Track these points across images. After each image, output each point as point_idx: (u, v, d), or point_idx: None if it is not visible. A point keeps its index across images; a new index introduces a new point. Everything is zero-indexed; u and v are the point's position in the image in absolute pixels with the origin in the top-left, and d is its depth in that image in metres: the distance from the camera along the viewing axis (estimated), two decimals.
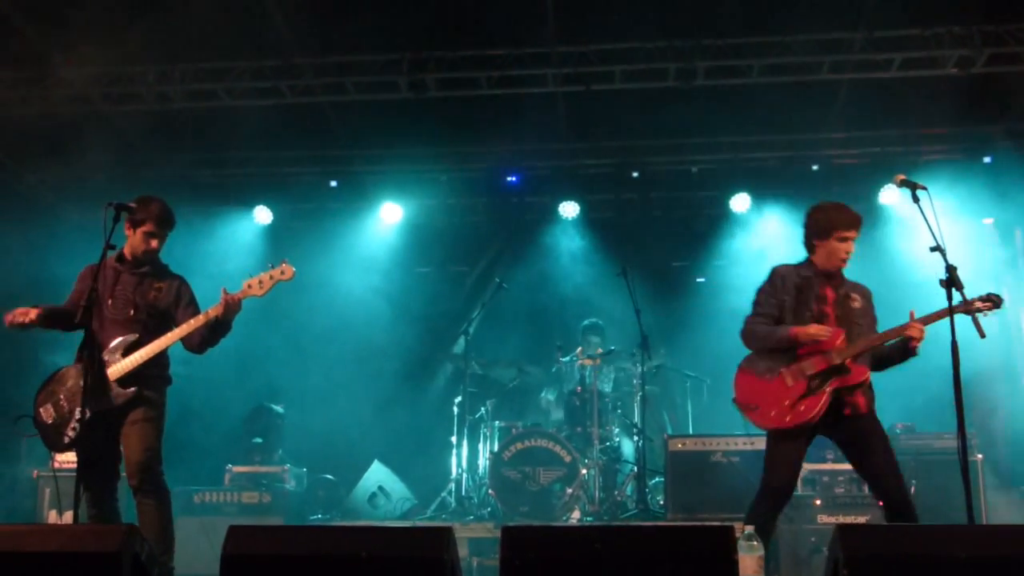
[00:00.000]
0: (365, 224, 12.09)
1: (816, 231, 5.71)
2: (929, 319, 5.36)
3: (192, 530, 8.08)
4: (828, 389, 5.41)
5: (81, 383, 5.52)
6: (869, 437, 5.43)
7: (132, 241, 5.89)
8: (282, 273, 5.80)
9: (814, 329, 5.43)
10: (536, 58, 9.94)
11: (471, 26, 9.69)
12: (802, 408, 5.40)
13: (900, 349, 5.48)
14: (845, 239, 5.60)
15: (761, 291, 5.82)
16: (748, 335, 5.76)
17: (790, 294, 5.65)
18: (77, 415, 5.55)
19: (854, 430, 5.47)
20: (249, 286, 5.76)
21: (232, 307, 5.66)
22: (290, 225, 12.21)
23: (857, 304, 5.66)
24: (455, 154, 11.81)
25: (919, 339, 5.33)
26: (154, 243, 5.91)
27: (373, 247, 12.09)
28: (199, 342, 5.84)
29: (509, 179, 11.88)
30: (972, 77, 9.68)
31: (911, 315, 5.35)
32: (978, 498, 8.29)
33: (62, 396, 5.74)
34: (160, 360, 5.84)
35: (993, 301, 5.37)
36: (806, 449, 5.58)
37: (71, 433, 5.60)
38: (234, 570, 3.94)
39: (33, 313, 5.75)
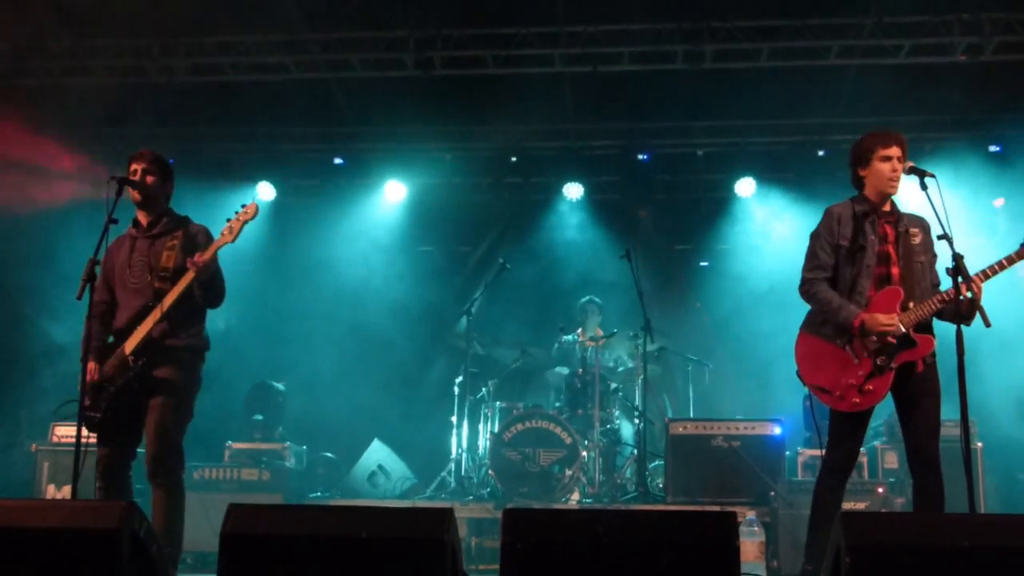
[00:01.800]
0: (369, 202, 12.06)
1: (857, 161, 5.49)
2: (995, 269, 5.24)
3: (191, 506, 8.06)
4: (895, 366, 5.25)
5: (110, 361, 5.56)
6: (920, 396, 5.27)
7: (134, 194, 5.75)
8: (246, 213, 5.71)
9: (881, 324, 5.21)
10: (544, 38, 9.91)
11: (479, 4, 9.65)
12: (870, 388, 5.23)
13: (952, 312, 5.23)
14: (887, 158, 5.37)
15: (815, 236, 5.53)
16: (810, 296, 5.46)
17: (846, 236, 5.39)
18: (105, 393, 5.52)
19: (909, 388, 5.29)
20: (221, 235, 5.69)
21: (200, 268, 5.53)
22: (293, 202, 12.19)
23: (917, 239, 5.43)
24: (460, 133, 11.78)
25: (977, 294, 5.09)
26: (150, 179, 5.77)
27: (376, 225, 12.05)
28: (201, 301, 5.75)
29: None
30: (980, 65, 9.65)
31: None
32: (977, 487, 8.31)
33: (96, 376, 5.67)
34: (180, 326, 5.68)
35: None
36: (869, 421, 5.45)
37: (97, 412, 5.52)
38: (233, 548, 3.92)
39: (95, 370, 5.64)
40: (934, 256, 5.50)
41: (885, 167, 5.39)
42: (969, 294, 5.09)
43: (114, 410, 5.54)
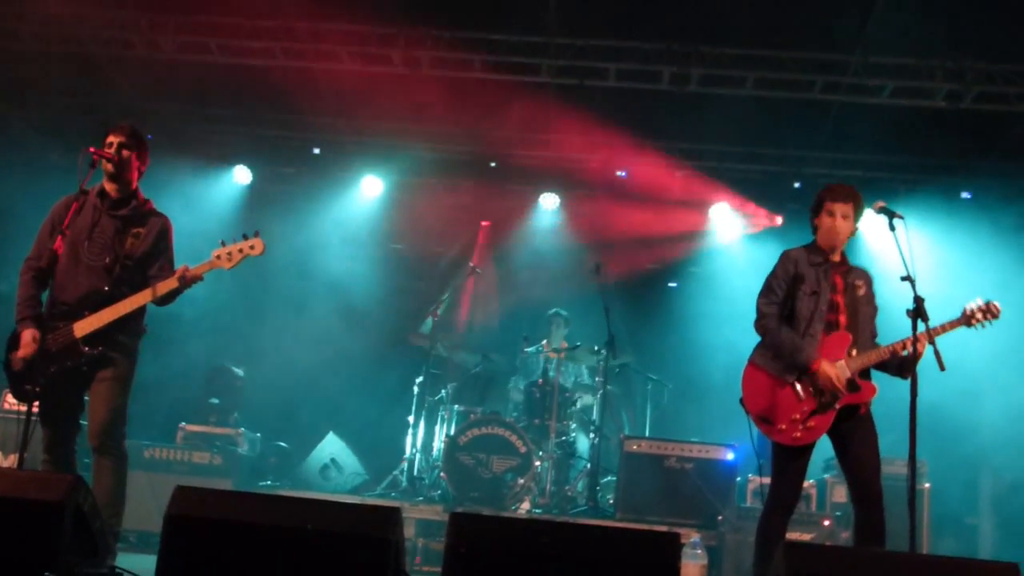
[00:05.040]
0: (344, 194, 12.05)
1: (813, 210, 5.72)
2: (937, 331, 5.37)
3: (139, 485, 8.02)
4: (838, 407, 5.39)
5: (49, 333, 5.46)
6: (859, 435, 5.43)
7: (107, 166, 5.70)
8: (251, 248, 5.69)
9: (833, 377, 5.36)
10: (533, 47, 9.92)
11: (471, 8, 9.64)
12: (812, 424, 5.38)
13: (896, 365, 5.49)
14: (831, 213, 5.57)
15: (772, 275, 5.71)
16: (767, 331, 5.61)
17: (802, 280, 5.57)
18: (43, 368, 5.42)
19: (848, 429, 5.45)
20: (218, 257, 5.66)
21: (187, 281, 5.58)
22: (269, 188, 12.15)
23: (862, 291, 5.64)
24: (442, 134, 11.77)
25: (919, 352, 5.29)
26: (126, 153, 5.73)
27: (350, 218, 12.05)
28: (160, 303, 5.74)
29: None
30: (960, 112, 9.77)
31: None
32: (921, 527, 8.39)
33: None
34: (129, 321, 5.67)
35: (991, 311, 5.49)
36: (811, 456, 5.57)
37: (34, 386, 5.38)
38: (177, 531, 3.92)
39: (35, 337, 5.53)
40: (875, 309, 5.72)
41: (827, 221, 5.61)
42: (906, 352, 5.33)
43: (56, 388, 5.49)
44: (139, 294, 5.63)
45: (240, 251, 5.69)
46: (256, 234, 5.76)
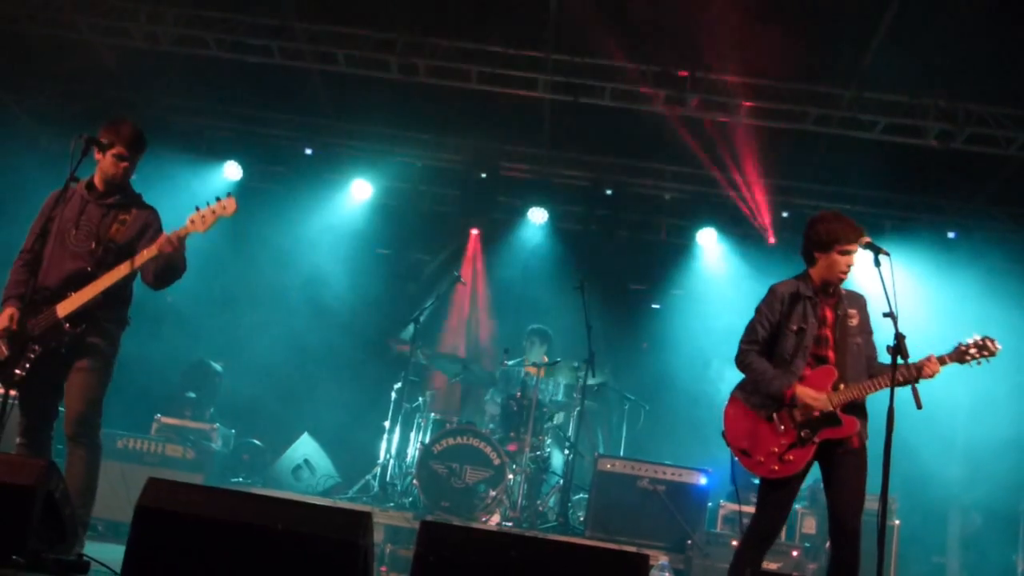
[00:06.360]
0: (333, 197, 12.03)
1: (817, 243, 5.50)
2: (945, 360, 5.33)
3: (111, 475, 7.98)
4: (817, 440, 5.33)
5: (32, 317, 5.44)
6: (845, 469, 5.35)
7: (102, 166, 5.68)
8: (223, 208, 5.63)
9: (810, 398, 5.32)
10: (530, 62, 9.96)
11: (472, 19, 9.68)
12: (790, 458, 5.32)
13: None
14: (847, 252, 5.43)
15: (758, 311, 5.61)
16: (746, 366, 5.56)
17: (787, 316, 5.47)
18: (28, 351, 5.41)
19: (838, 461, 5.38)
20: (192, 221, 5.60)
21: (168, 245, 5.52)
22: (259, 186, 12.11)
23: (855, 321, 5.53)
24: (434, 142, 11.81)
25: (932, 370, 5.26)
26: (123, 166, 5.70)
27: (337, 221, 12.03)
28: (152, 280, 5.72)
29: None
30: (950, 152, 9.83)
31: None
32: (889, 564, 8.43)
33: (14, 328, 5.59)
34: (114, 302, 5.66)
35: (988, 348, 5.35)
36: (799, 489, 5.53)
37: (21, 371, 5.39)
38: (147, 522, 3.90)
39: (12, 317, 5.49)
40: (870, 333, 5.62)
41: (842, 260, 5.46)
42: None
43: (37, 371, 5.46)
44: (119, 266, 5.58)
45: (213, 212, 5.61)
46: (228, 195, 5.70)
